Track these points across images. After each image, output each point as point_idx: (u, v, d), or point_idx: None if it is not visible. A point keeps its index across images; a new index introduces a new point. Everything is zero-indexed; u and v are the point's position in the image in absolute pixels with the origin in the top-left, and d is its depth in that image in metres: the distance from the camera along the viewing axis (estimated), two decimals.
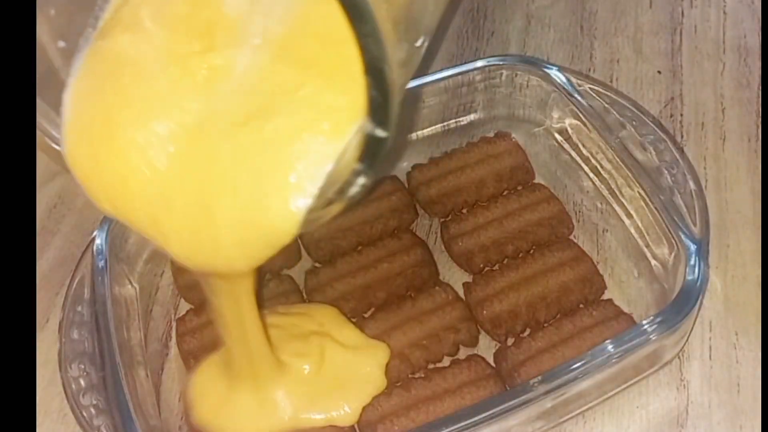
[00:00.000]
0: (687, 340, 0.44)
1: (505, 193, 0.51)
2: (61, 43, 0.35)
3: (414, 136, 0.54)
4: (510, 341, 0.45)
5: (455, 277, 0.48)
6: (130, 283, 0.46)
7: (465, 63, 0.52)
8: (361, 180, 0.31)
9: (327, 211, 0.33)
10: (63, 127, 0.35)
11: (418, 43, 0.32)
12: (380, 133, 0.30)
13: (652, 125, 0.47)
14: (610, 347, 0.39)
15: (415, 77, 0.44)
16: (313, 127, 0.32)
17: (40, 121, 0.35)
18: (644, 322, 0.40)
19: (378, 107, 0.29)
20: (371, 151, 0.30)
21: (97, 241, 0.44)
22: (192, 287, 0.47)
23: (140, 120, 0.33)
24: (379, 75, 0.28)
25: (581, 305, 0.46)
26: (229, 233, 0.33)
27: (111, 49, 0.35)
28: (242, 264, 0.35)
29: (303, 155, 0.32)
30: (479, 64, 0.52)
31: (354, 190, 0.32)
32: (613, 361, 0.39)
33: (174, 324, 0.48)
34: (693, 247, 0.41)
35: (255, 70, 0.33)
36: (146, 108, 0.34)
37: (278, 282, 0.48)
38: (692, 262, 0.41)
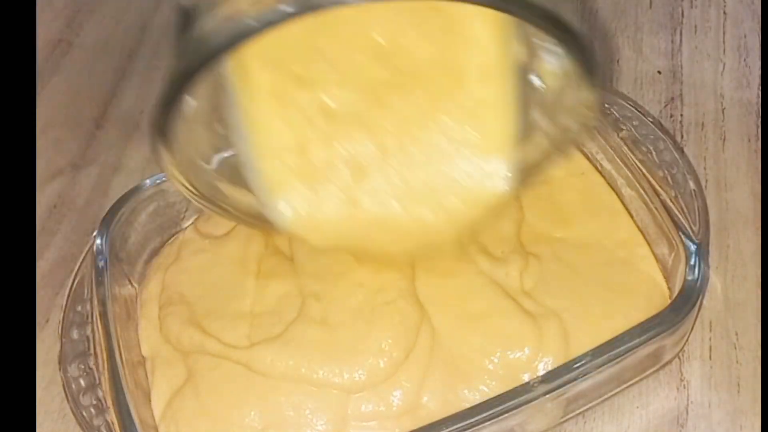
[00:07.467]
0: (687, 340, 0.44)
1: None
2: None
3: None
4: None
5: None
6: (130, 283, 0.46)
7: None
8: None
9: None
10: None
11: None
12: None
13: (652, 125, 0.47)
14: (609, 347, 0.39)
15: None
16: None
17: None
18: (644, 322, 0.40)
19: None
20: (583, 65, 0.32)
21: (97, 241, 0.44)
22: None
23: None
24: None
25: None
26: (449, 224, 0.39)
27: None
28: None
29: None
30: None
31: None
32: (613, 361, 0.39)
33: None
34: (693, 247, 0.41)
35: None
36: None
37: None
38: (692, 262, 0.41)
